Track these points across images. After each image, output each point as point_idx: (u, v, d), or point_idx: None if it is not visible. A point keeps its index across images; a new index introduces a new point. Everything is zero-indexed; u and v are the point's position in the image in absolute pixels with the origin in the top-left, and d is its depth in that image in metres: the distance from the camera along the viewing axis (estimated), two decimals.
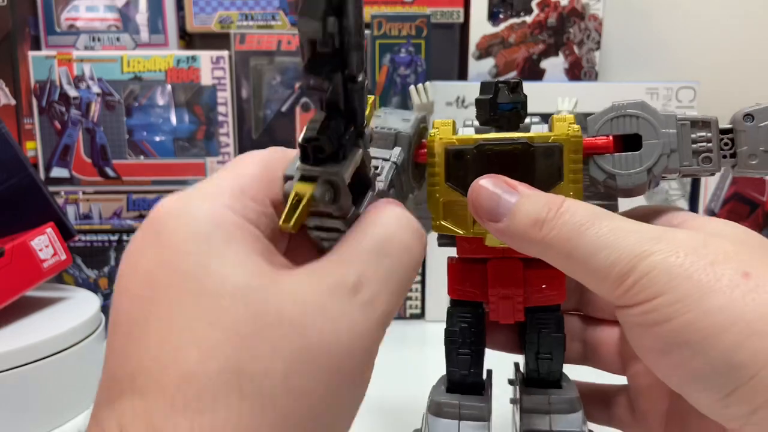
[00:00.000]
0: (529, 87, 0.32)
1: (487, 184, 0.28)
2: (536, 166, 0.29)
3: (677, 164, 0.29)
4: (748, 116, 0.29)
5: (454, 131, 0.31)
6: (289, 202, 0.21)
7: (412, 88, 0.35)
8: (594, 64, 0.76)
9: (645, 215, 0.29)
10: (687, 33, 0.87)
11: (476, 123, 0.32)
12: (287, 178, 0.21)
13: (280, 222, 0.21)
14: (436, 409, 0.32)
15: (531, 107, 0.31)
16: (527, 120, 0.31)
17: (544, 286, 0.32)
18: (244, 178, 0.22)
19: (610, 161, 0.29)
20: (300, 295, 0.20)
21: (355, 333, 0.20)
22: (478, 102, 0.31)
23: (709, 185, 0.73)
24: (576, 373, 0.35)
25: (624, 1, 0.85)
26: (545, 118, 0.33)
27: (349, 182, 0.21)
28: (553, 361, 0.33)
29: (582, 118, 0.30)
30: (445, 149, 0.30)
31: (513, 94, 0.30)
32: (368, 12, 0.74)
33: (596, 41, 0.76)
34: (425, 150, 0.31)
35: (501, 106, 0.30)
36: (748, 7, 0.86)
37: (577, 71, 0.76)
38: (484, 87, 0.31)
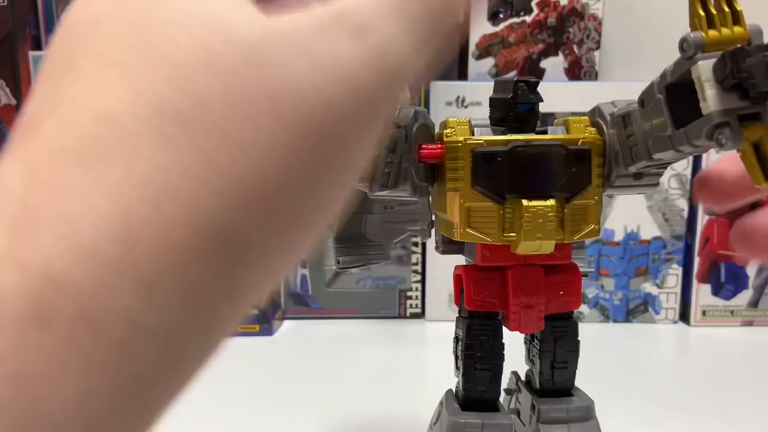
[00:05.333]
0: None
1: None
2: (568, 169, 0.28)
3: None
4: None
5: (471, 131, 0.29)
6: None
7: None
8: (594, 63, 0.76)
9: None
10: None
11: (485, 122, 0.30)
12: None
13: (758, 181, 0.21)
14: (456, 429, 0.30)
15: None
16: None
17: (561, 292, 0.30)
18: None
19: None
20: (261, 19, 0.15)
21: (335, 67, 0.15)
22: (494, 101, 0.30)
23: None
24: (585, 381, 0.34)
25: (624, 0, 0.86)
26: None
27: None
28: (568, 369, 0.32)
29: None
30: (472, 151, 0.28)
31: (533, 94, 0.29)
32: None
33: (596, 41, 0.76)
34: (433, 150, 0.29)
35: (519, 105, 0.29)
36: (748, 7, 0.86)
37: (576, 71, 0.76)
38: (500, 85, 0.30)
